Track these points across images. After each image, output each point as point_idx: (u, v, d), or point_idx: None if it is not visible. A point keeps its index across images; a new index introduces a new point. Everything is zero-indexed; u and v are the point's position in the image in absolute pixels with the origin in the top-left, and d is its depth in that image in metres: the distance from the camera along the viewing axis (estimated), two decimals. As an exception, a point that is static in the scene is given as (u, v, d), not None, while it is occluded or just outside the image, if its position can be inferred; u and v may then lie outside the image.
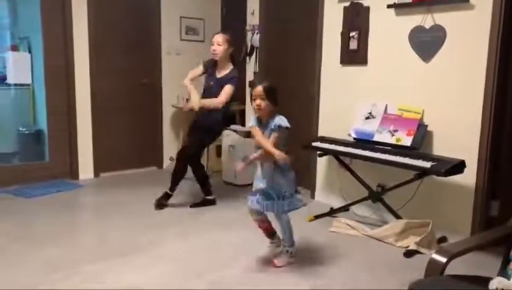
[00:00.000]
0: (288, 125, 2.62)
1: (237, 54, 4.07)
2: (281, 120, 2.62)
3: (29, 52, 4.97)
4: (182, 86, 5.56)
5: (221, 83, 3.79)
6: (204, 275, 2.65)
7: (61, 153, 4.76)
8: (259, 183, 2.70)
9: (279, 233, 2.89)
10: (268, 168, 2.65)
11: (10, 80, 5.02)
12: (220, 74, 3.87)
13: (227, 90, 3.73)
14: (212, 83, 3.87)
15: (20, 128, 5.10)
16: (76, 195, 4.33)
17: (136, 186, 4.65)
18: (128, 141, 5.21)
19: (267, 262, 2.84)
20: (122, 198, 4.21)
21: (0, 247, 3.00)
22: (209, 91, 3.86)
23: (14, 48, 5.08)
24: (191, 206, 3.96)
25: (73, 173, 4.79)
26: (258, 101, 2.61)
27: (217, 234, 3.33)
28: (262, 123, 2.70)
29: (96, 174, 4.92)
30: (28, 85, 5.05)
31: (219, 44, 3.77)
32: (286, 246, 2.86)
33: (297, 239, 3.24)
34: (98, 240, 3.23)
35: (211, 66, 3.92)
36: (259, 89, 2.61)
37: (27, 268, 2.69)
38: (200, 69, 3.96)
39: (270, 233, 2.88)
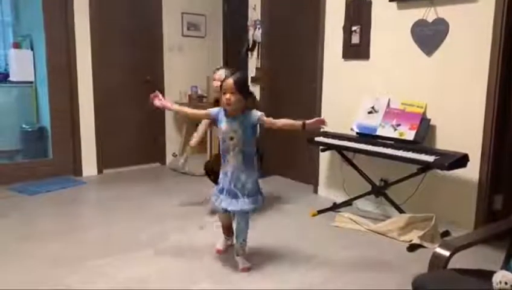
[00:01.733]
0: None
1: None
2: (262, 114, 2.49)
3: (32, 49, 4.99)
4: (183, 82, 5.57)
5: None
6: (207, 269, 2.66)
7: (64, 150, 4.77)
8: (224, 182, 2.59)
9: (235, 230, 2.74)
10: (235, 164, 2.54)
11: (13, 77, 5.04)
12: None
13: None
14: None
15: (23, 126, 5.12)
16: (79, 192, 4.34)
17: (140, 182, 4.66)
18: (131, 137, 5.22)
19: (268, 258, 2.85)
20: (125, 194, 4.22)
21: (4, 244, 3.02)
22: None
23: (17, 46, 5.10)
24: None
25: (77, 169, 4.81)
26: (227, 96, 2.41)
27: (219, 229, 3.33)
28: (230, 116, 2.51)
29: (100, 170, 4.94)
30: (31, 82, 5.07)
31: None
32: (243, 244, 2.69)
33: (300, 234, 3.26)
34: (101, 236, 3.23)
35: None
36: (230, 82, 2.42)
37: (30, 265, 2.69)
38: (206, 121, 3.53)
39: (230, 230, 2.85)
